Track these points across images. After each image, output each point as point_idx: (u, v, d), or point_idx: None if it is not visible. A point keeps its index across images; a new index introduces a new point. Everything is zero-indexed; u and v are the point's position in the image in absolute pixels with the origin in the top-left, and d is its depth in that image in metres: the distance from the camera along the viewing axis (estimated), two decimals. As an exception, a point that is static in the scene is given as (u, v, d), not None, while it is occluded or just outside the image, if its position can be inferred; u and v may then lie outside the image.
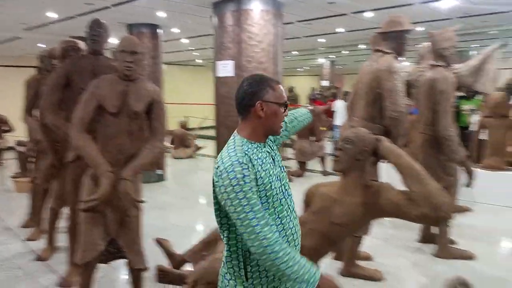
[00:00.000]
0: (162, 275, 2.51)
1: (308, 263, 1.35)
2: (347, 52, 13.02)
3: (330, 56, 15.85)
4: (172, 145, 9.54)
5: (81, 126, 2.39)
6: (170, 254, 2.81)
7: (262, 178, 1.34)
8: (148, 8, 5.78)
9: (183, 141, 9.56)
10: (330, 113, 9.74)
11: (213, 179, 1.37)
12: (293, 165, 7.67)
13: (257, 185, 1.32)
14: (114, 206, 2.45)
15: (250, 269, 1.40)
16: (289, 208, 1.44)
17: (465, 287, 1.17)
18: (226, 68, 5.01)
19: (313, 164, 7.59)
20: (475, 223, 4.68)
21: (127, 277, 2.87)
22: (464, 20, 7.21)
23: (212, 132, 6.51)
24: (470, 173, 3.57)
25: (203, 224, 4.93)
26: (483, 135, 5.65)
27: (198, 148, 9.80)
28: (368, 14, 6.14)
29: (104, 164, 2.32)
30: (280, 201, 1.41)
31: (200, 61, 15.15)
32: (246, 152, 1.35)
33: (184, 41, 9.34)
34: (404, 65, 4.14)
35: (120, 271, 3.39)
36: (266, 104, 1.38)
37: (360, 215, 2.13)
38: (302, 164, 7.25)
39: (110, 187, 2.29)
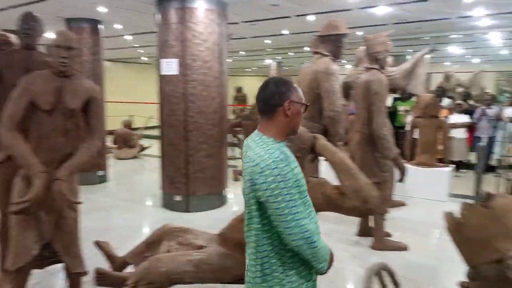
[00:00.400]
0: (101, 278, 2.45)
1: (325, 245, 1.55)
2: (293, 53, 13.37)
3: (276, 57, 16.17)
4: (115, 145, 9.22)
5: (11, 124, 2.26)
6: (110, 257, 2.74)
7: (296, 174, 1.42)
8: (88, 2, 5.56)
9: (127, 141, 9.28)
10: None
11: (248, 179, 1.45)
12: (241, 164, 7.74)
13: (294, 181, 1.40)
14: (49, 208, 2.35)
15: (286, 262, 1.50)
16: (310, 202, 1.56)
17: (388, 272, 1.28)
18: (170, 66, 4.95)
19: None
20: (408, 216, 5.02)
21: (65, 282, 2.76)
22: (398, 26, 7.69)
23: (157, 132, 6.40)
24: (402, 170, 3.83)
25: (147, 225, 4.84)
26: (416, 134, 6.06)
27: (143, 148, 9.56)
28: (311, 18, 6.36)
29: (36, 164, 2.22)
30: (307, 196, 1.51)
31: (146, 58, 14.78)
32: (282, 150, 1.42)
33: (128, 37, 9.07)
34: (344, 68, 4.34)
35: (57, 276, 3.24)
36: (292, 104, 1.47)
37: (299, 210, 2.22)
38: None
39: (43, 187, 2.19)
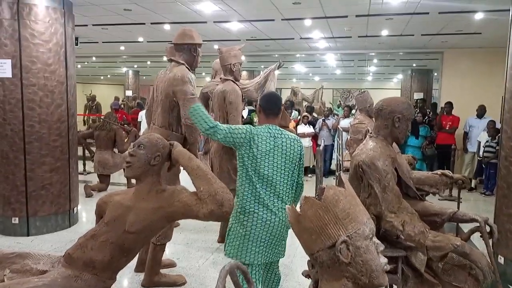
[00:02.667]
0: None
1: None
2: (150, 62, 13.05)
3: (134, 66, 15.59)
4: None
5: None
6: None
7: None
8: None
9: None
10: (135, 123, 9.52)
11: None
12: (94, 178, 7.13)
13: None
14: None
15: None
16: None
17: (241, 271, 1.32)
18: (1, 68, 4.26)
19: (118, 177, 7.23)
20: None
21: None
22: (251, 43, 8.25)
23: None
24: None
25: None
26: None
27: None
28: (167, 27, 6.31)
29: None
30: None
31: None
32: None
33: None
34: (204, 79, 4.39)
35: None
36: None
37: (156, 220, 2.13)
38: (104, 177, 6.78)
39: None
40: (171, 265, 3.72)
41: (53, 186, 4.63)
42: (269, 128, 2.32)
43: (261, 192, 2.30)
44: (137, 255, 3.56)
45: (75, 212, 4.97)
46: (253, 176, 2.30)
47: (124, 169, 2.26)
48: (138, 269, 3.55)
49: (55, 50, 4.53)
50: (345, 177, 1.20)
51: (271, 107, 2.37)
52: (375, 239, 1.13)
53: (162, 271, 3.48)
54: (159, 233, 2.51)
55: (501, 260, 3.50)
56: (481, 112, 7.45)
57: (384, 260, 1.13)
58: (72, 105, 4.83)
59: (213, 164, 4.13)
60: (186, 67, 3.25)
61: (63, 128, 4.67)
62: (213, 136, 2.37)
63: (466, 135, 7.60)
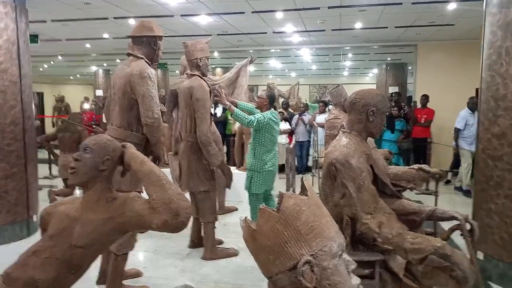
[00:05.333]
0: None
1: None
2: (120, 60, 12.62)
3: (104, 65, 15.09)
4: None
5: None
6: None
7: None
8: None
9: None
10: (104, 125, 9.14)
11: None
12: (59, 183, 6.76)
13: None
14: None
15: None
16: None
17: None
18: None
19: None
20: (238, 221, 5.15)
21: None
22: (224, 38, 8.02)
23: None
24: (227, 176, 3.85)
25: None
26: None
27: None
28: (132, 21, 6.01)
29: None
30: None
31: None
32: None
33: None
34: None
35: None
36: None
37: (106, 232, 1.90)
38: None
39: None
40: (137, 274, 3.48)
41: (9, 193, 4.30)
42: (272, 112, 4.00)
43: (274, 146, 4.05)
44: (99, 265, 3.33)
45: (34, 220, 4.63)
46: (270, 140, 4.00)
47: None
48: (100, 281, 3.29)
49: (6, 47, 4.19)
50: (308, 183, 1.00)
51: (273, 100, 4.16)
52: (345, 256, 0.94)
53: (127, 282, 3.24)
54: (112, 244, 2.26)
55: (480, 256, 3.41)
56: (473, 106, 6.36)
57: (356, 281, 0.94)
58: (28, 106, 4.49)
59: (181, 165, 3.90)
60: (146, 61, 3.01)
61: (18, 131, 4.33)
62: (251, 126, 3.93)
63: (458, 131, 6.63)
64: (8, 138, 4.25)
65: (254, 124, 3.92)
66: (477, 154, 3.61)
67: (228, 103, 4.01)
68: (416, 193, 6.05)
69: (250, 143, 4.19)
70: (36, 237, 4.51)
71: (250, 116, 3.92)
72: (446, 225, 2.24)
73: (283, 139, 8.07)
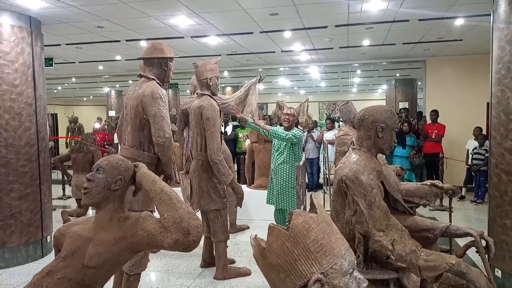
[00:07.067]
0: None
1: None
2: (131, 81, 12.84)
3: (117, 86, 15.36)
4: None
5: None
6: None
7: None
8: None
9: None
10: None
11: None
12: (72, 204, 6.82)
13: None
14: None
15: None
16: None
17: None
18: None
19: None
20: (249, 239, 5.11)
21: None
22: (233, 58, 8.13)
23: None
24: (238, 194, 3.84)
25: None
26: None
27: None
28: (143, 44, 6.15)
29: None
30: None
31: None
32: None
33: None
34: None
35: None
36: None
37: (118, 252, 1.90)
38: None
39: None
40: None
41: (23, 214, 4.35)
42: (298, 130, 4.45)
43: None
44: (112, 286, 3.32)
45: (48, 241, 4.67)
46: (300, 156, 4.46)
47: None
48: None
49: (22, 70, 4.31)
50: (317, 200, 1.00)
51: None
52: (356, 274, 0.93)
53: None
54: (125, 264, 2.26)
55: (498, 273, 3.32)
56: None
57: (368, 299, 0.93)
58: (43, 128, 4.58)
59: (192, 183, 3.92)
60: (157, 82, 3.06)
61: (32, 152, 4.41)
62: (291, 141, 4.32)
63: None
64: (23, 160, 4.33)
65: (294, 139, 4.29)
66: (490, 169, 3.56)
67: (261, 123, 4.55)
68: (430, 210, 5.96)
69: (275, 159, 4.58)
70: (51, 257, 4.56)
71: (286, 132, 4.35)
72: (462, 242, 2.19)
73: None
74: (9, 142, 4.22)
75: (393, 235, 2.02)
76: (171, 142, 3.03)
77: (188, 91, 16.71)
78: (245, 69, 10.10)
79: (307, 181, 7.55)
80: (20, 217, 4.33)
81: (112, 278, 2.88)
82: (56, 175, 8.35)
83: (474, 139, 6.87)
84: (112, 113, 15.81)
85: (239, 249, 4.65)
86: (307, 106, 12.71)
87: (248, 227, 5.61)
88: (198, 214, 3.71)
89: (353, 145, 2.31)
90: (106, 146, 8.19)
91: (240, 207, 4.07)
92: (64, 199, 7.86)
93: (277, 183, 4.55)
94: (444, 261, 1.91)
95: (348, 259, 0.92)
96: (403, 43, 6.98)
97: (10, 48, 4.22)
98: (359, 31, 5.90)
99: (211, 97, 3.81)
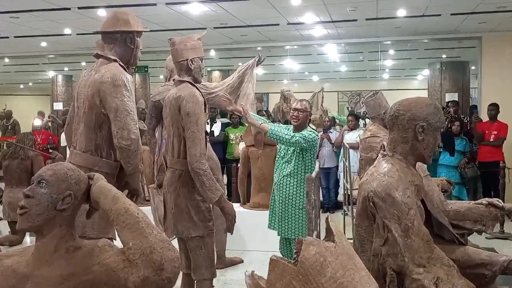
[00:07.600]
0: None
1: None
2: (85, 63, 12.89)
3: (65, 69, 15.42)
4: None
5: None
6: None
7: None
8: None
9: None
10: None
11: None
12: (3, 228, 6.82)
13: None
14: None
15: None
16: None
17: None
18: None
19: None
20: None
21: None
22: (223, 32, 8.18)
23: None
24: (228, 216, 3.84)
25: None
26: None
27: None
28: (101, 13, 6.18)
29: None
30: None
31: None
32: None
33: None
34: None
35: None
36: None
37: (66, 294, 1.92)
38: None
39: None
40: None
41: None
42: (311, 131, 4.25)
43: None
44: None
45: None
46: (313, 166, 4.21)
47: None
48: None
49: None
50: (335, 225, 1.02)
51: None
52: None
53: None
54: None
55: None
56: None
57: None
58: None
59: (167, 201, 3.92)
60: (120, 64, 3.09)
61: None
62: (299, 146, 4.07)
63: None
64: None
65: (304, 143, 4.00)
66: None
67: (251, 115, 4.25)
68: (486, 238, 5.99)
69: (280, 170, 4.44)
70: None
71: (294, 133, 4.08)
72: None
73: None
74: None
75: (438, 271, 2.05)
76: (139, 145, 3.05)
77: (161, 77, 16.84)
78: (238, 47, 10.16)
79: (321, 198, 7.57)
80: None
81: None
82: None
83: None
84: (58, 106, 15.84)
85: (231, 289, 4.67)
86: (322, 97, 12.81)
87: (242, 261, 5.63)
88: (174, 242, 3.71)
89: (384, 150, 2.33)
90: (50, 151, 8.21)
91: (231, 234, 4.08)
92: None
93: (281, 201, 4.52)
94: (505, 307, 1.94)
95: (377, 305, 0.93)
96: (451, 14, 7.04)
97: None
98: (393, -3, 5.96)
99: (193, 85, 3.82)
